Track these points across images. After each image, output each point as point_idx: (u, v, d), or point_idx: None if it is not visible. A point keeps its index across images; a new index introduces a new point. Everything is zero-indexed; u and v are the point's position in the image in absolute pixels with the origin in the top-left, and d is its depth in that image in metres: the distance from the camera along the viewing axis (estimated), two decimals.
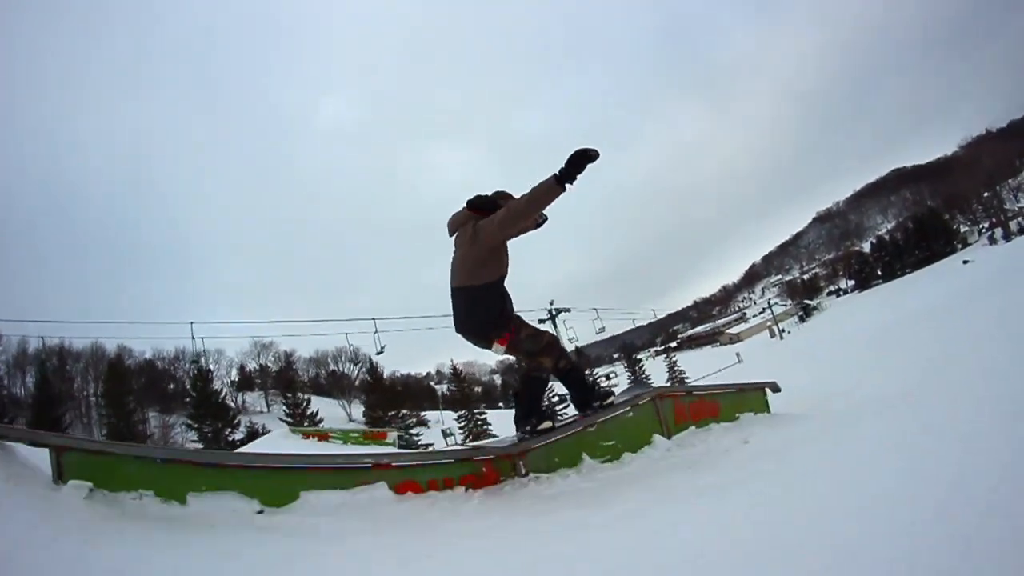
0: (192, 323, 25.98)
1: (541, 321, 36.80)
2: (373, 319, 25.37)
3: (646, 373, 63.47)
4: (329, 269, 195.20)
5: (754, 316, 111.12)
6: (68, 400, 46.68)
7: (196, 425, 41.16)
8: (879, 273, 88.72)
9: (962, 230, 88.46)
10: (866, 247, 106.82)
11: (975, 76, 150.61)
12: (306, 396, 52.53)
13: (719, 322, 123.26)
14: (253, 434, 39.54)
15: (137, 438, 40.54)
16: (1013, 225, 70.39)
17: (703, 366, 52.75)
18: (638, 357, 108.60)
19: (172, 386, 59.34)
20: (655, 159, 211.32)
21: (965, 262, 51.72)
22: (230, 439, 39.95)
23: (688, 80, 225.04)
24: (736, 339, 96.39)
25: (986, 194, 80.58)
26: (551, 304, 39.11)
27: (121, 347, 49.61)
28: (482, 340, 3.93)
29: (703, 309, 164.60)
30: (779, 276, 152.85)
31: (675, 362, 66.45)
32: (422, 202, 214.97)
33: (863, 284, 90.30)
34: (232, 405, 49.65)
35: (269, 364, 69.68)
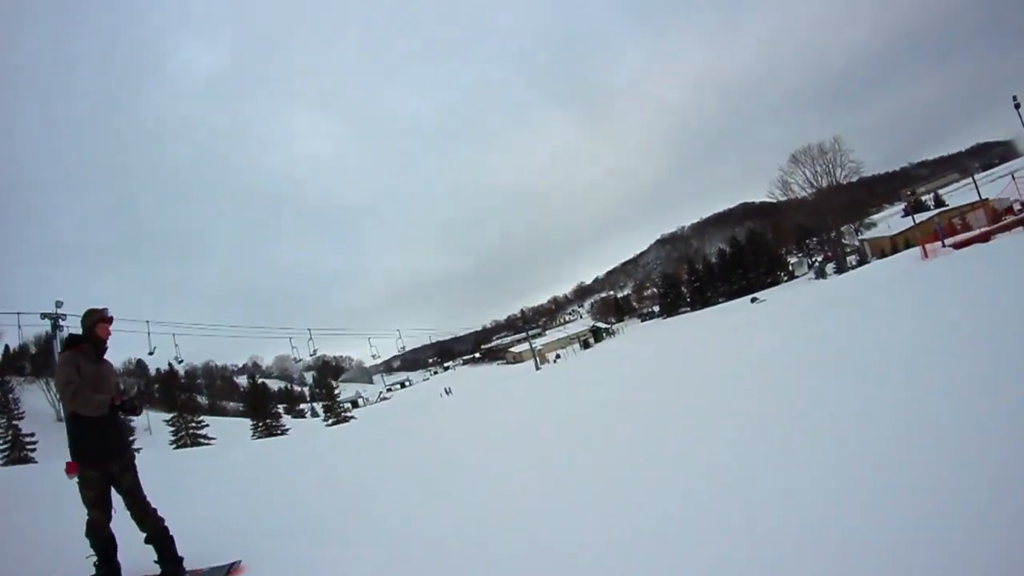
0: None
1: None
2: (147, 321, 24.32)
3: None
4: (171, 231, 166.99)
5: (559, 332, 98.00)
6: None
7: None
8: (688, 299, 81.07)
9: (791, 261, 79.85)
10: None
11: (855, 130, 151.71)
12: None
13: (507, 339, 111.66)
14: None
15: None
16: (852, 260, 61.95)
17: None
18: (447, 365, 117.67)
19: None
20: (517, 164, 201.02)
21: (754, 300, 55.48)
22: None
23: (566, 92, 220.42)
24: (519, 359, 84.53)
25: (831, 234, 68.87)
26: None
27: None
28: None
29: (531, 319, 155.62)
30: (610, 292, 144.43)
31: None
32: (274, 170, 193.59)
33: (670, 309, 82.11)
34: None
35: None
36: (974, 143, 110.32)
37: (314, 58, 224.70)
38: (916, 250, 21.03)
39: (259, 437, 49.30)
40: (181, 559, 3.99)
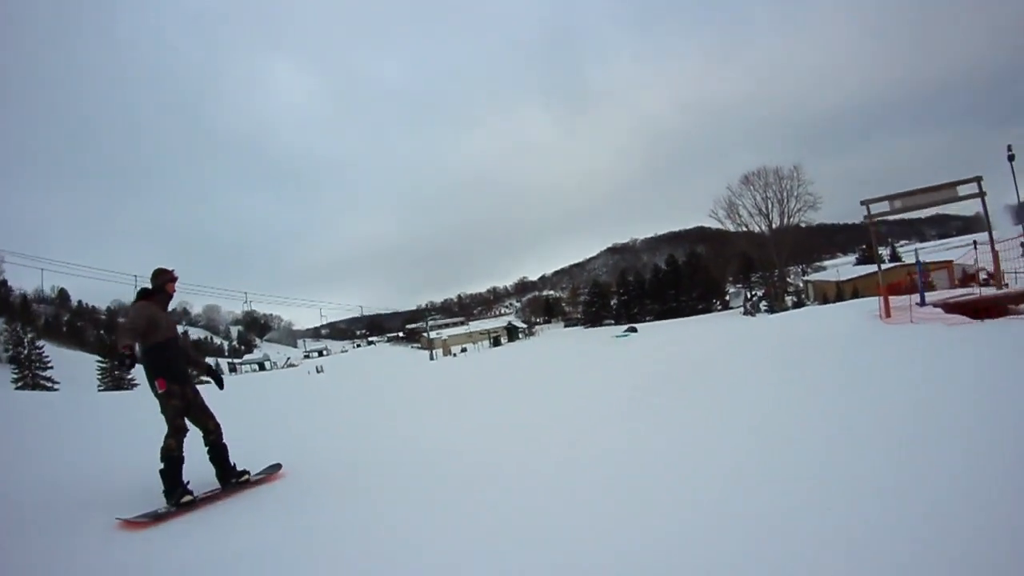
0: None
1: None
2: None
3: None
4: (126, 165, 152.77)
5: (491, 323, 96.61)
6: None
7: None
8: (614, 312, 76.36)
9: (730, 291, 75.90)
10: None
11: (824, 176, 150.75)
12: None
13: (429, 324, 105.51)
14: None
15: None
16: (789, 301, 58.78)
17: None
18: (372, 339, 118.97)
19: None
20: (487, 148, 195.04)
21: (631, 330, 54.02)
22: None
23: (549, 84, 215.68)
24: (431, 346, 79.64)
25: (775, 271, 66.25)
26: None
27: None
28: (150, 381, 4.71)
29: (467, 307, 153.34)
30: (550, 292, 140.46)
31: None
32: (247, 116, 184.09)
33: (593, 319, 77.27)
34: None
35: None
36: (934, 212, 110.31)
37: (302, 6, 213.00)
38: (874, 302, 13.63)
39: (106, 389, 43.83)
40: (234, 465, 4.83)
